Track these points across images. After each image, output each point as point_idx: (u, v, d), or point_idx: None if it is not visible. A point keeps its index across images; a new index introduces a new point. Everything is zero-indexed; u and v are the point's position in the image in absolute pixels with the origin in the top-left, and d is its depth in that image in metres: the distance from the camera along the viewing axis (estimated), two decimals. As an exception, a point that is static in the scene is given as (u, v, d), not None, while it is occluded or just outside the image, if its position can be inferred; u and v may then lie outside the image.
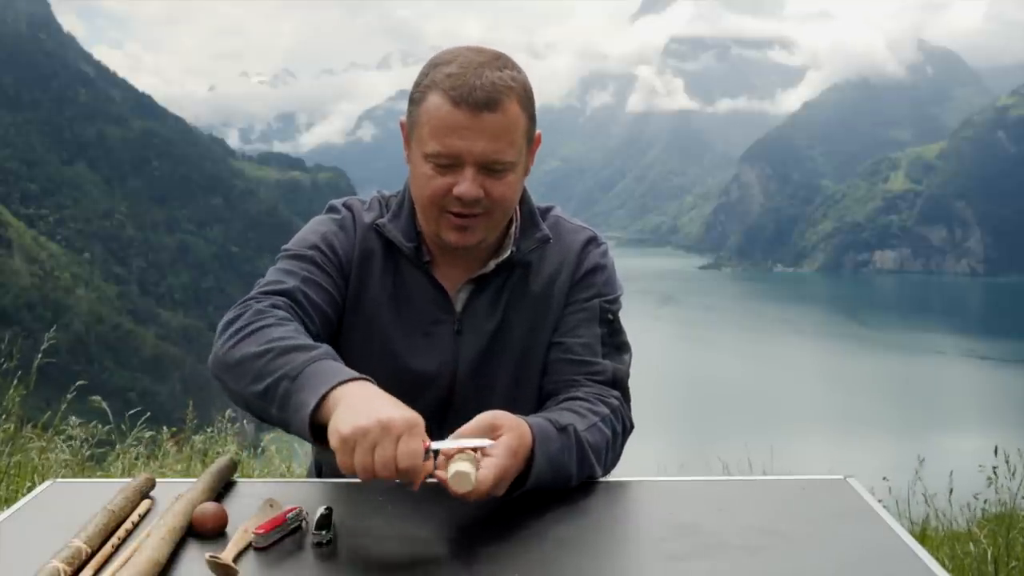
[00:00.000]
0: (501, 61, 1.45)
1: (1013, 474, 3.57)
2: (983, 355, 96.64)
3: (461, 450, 1.19)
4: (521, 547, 1.17)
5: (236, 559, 1.10)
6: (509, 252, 1.57)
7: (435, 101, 1.42)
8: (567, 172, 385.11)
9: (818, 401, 68.40)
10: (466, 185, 1.43)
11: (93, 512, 1.17)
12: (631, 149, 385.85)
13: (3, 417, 3.75)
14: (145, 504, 1.27)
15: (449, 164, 1.44)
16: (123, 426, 4.31)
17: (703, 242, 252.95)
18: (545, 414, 1.41)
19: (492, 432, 1.24)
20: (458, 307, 1.58)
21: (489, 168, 1.44)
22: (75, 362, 56.23)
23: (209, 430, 4.62)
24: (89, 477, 3.65)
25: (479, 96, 1.40)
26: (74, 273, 79.79)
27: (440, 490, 1.16)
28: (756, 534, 1.21)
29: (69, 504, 1.33)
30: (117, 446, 4.28)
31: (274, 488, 1.36)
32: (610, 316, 1.61)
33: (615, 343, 1.60)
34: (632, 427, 1.57)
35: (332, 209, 1.64)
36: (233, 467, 1.39)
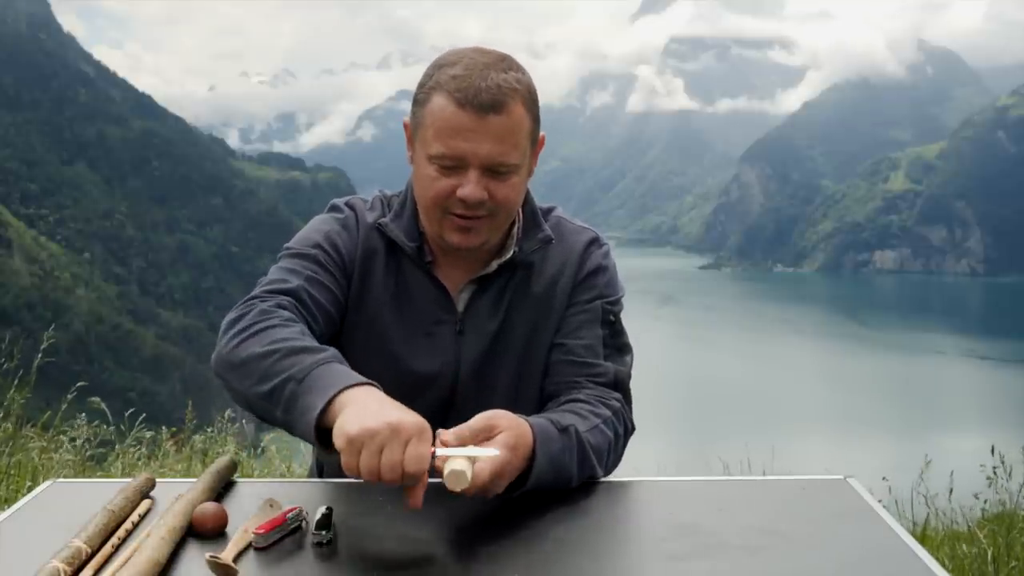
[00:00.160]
0: (506, 63, 1.45)
1: (1010, 474, 3.57)
2: (983, 355, 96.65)
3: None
4: (521, 547, 1.17)
5: (236, 559, 1.10)
6: (511, 253, 1.57)
7: (440, 102, 1.41)
8: (567, 172, 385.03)
9: (818, 401, 68.40)
10: (470, 188, 1.43)
11: (93, 512, 1.17)
12: (631, 149, 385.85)
13: (3, 417, 3.75)
14: (145, 504, 1.26)
15: (453, 166, 1.43)
16: (123, 426, 4.31)
17: (703, 242, 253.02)
18: (546, 415, 1.40)
19: (490, 432, 1.24)
20: (460, 307, 1.57)
21: (493, 170, 1.43)
22: (75, 362, 56.23)
23: (209, 430, 4.62)
24: (89, 477, 3.65)
25: (484, 98, 1.39)
26: (74, 273, 79.78)
27: (440, 490, 1.16)
28: (756, 534, 1.21)
29: (69, 504, 1.32)
30: (117, 446, 4.28)
31: (274, 488, 1.35)
32: (612, 317, 1.60)
33: (617, 344, 1.60)
34: (633, 429, 1.57)
35: (335, 208, 1.64)
36: (233, 467, 1.39)
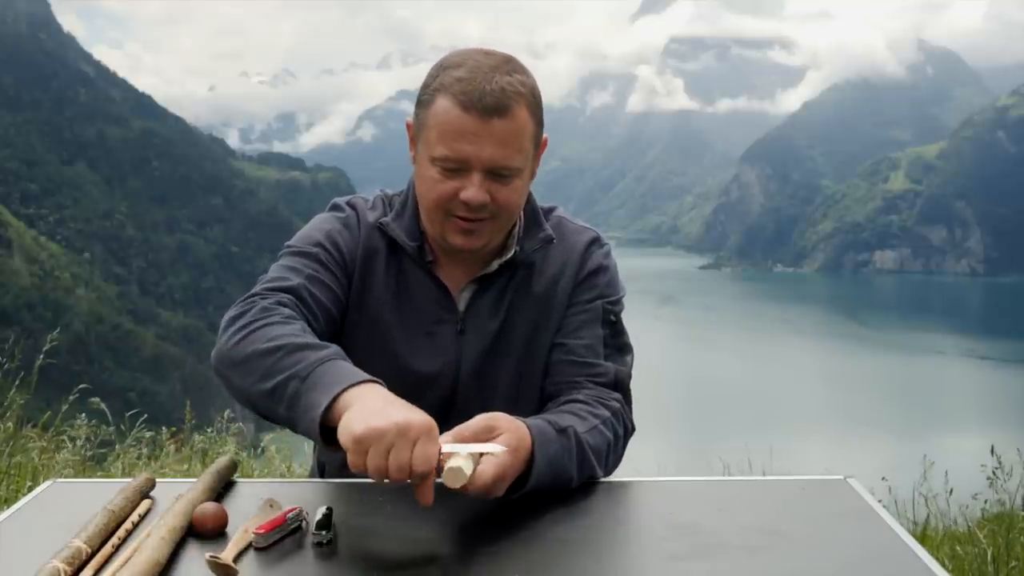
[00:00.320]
0: (511, 65, 1.44)
1: (1009, 475, 3.57)
2: (983, 355, 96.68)
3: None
4: (521, 547, 1.17)
5: (236, 559, 1.10)
6: (512, 252, 1.57)
7: (444, 105, 1.41)
8: (567, 172, 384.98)
9: (818, 401, 68.44)
10: (473, 191, 1.42)
11: (93, 512, 1.16)
12: (631, 149, 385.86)
13: (3, 417, 3.75)
14: (145, 504, 1.26)
15: (456, 169, 1.43)
16: (123, 426, 4.31)
17: (703, 242, 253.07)
18: (545, 416, 1.40)
19: (490, 433, 1.24)
20: (461, 307, 1.57)
21: (496, 174, 1.43)
22: (75, 362, 56.23)
23: (209, 430, 4.62)
24: (89, 477, 3.65)
25: (489, 102, 1.39)
26: (74, 273, 79.77)
27: (441, 490, 1.16)
28: (756, 534, 1.21)
29: (69, 504, 1.32)
30: (117, 446, 4.28)
31: (274, 488, 1.35)
32: (612, 317, 1.60)
33: (617, 344, 1.60)
34: (633, 430, 1.56)
35: (336, 207, 1.63)
36: (233, 467, 1.39)
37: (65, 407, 4.01)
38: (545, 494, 1.31)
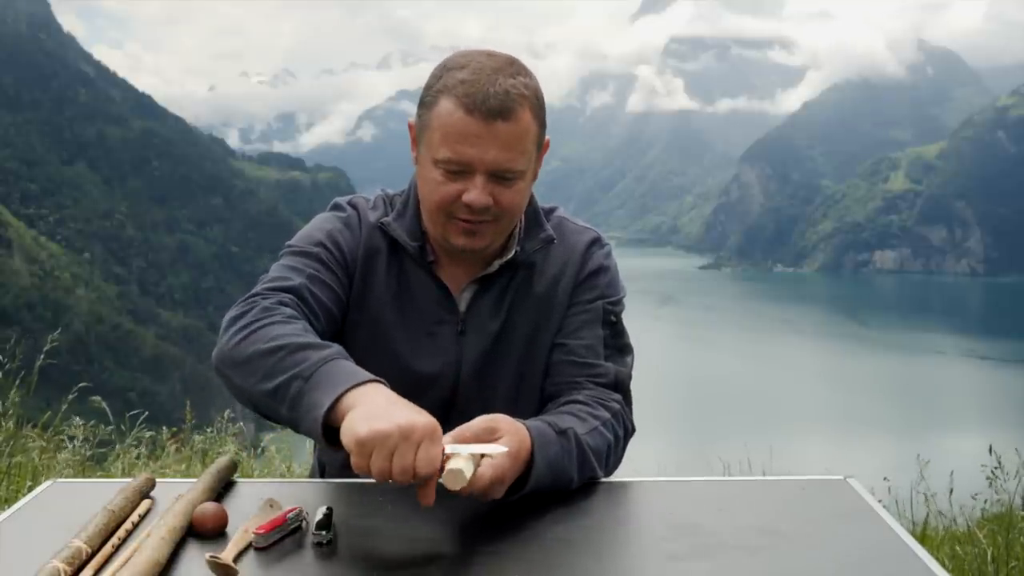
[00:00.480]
0: (514, 67, 1.44)
1: (1009, 475, 3.57)
2: (983, 355, 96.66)
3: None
4: (521, 547, 1.17)
5: (236, 559, 1.10)
6: (513, 252, 1.57)
7: (447, 107, 1.40)
8: (567, 172, 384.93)
9: (818, 401, 68.42)
10: (475, 193, 1.42)
11: (93, 512, 1.16)
12: (631, 149, 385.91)
13: (3, 417, 3.75)
14: (145, 504, 1.26)
15: (459, 171, 1.42)
16: (123, 426, 4.31)
17: (703, 242, 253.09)
18: (544, 417, 1.39)
19: (491, 435, 1.23)
20: (462, 307, 1.57)
21: (499, 176, 1.43)
22: (75, 362, 56.22)
23: (209, 430, 4.61)
24: (89, 477, 3.65)
25: (492, 104, 1.38)
26: (74, 273, 79.75)
27: (441, 490, 1.16)
28: (756, 534, 1.21)
29: (69, 504, 1.32)
30: (117, 446, 4.28)
31: (274, 488, 1.35)
32: (613, 318, 1.60)
33: (617, 345, 1.60)
34: (633, 430, 1.56)
35: (337, 207, 1.63)
36: (233, 467, 1.38)
37: (65, 407, 4.00)
38: (545, 494, 1.31)
